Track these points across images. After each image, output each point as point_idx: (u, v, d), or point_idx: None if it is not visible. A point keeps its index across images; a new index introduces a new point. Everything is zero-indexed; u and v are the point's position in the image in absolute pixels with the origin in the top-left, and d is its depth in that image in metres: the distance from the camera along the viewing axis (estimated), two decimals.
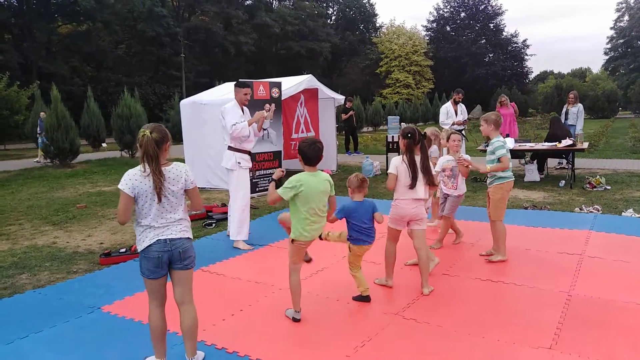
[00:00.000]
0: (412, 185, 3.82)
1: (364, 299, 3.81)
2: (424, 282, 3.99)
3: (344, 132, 16.06)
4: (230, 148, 5.52)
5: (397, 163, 3.89)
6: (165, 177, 2.67)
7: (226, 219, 6.85)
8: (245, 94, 5.50)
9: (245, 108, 5.58)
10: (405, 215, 3.90)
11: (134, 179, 2.65)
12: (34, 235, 6.40)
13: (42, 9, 32.56)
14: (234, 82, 5.81)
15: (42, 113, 15.83)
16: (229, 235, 5.67)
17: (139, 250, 2.76)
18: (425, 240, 4.02)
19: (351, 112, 15.25)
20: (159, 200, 2.66)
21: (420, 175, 3.85)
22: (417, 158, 3.88)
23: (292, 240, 3.43)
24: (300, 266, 3.53)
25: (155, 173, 2.62)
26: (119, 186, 2.67)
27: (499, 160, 4.57)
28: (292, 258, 3.48)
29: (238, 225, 5.48)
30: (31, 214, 7.77)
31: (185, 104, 9.85)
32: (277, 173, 3.61)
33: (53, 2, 32.85)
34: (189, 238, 2.84)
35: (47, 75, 30.19)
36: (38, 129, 15.67)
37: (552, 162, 10.36)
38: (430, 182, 3.93)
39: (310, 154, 3.32)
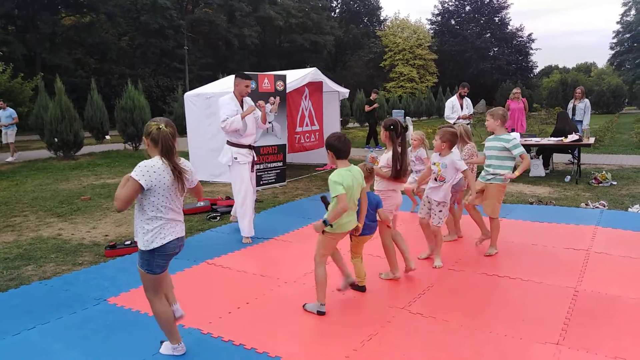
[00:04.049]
0: (397, 176, 3.92)
1: (359, 288, 3.88)
2: (406, 261, 4.18)
3: (367, 124, 15.75)
4: (228, 143, 5.44)
5: (386, 158, 4.04)
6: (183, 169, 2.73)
7: (230, 212, 6.86)
8: (247, 86, 5.41)
9: (247, 99, 5.51)
10: (397, 204, 4.10)
11: (152, 172, 2.60)
12: (39, 227, 6.42)
13: (46, 1, 32.48)
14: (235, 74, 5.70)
15: None
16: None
17: (150, 248, 2.66)
18: (396, 223, 4.25)
19: (375, 105, 15.10)
20: (183, 191, 2.74)
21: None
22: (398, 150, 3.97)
23: (323, 231, 3.42)
24: (326, 259, 3.52)
25: (177, 167, 2.66)
26: (133, 175, 2.56)
27: (512, 159, 4.58)
28: (320, 250, 3.47)
29: (245, 217, 5.45)
30: (36, 206, 7.78)
31: (190, 96, 9.82)
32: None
33: None
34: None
35: (50, 67, 30.17)
36: None
37: (561, 158, 10.31)
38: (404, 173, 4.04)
39: (343, 147, 3.37)
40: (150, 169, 2.60)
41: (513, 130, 9.80)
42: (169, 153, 2.64)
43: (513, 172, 4.58)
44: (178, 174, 2.66)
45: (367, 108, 15.02)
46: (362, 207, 3.60)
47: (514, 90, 10.93)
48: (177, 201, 2.76)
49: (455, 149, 4.46)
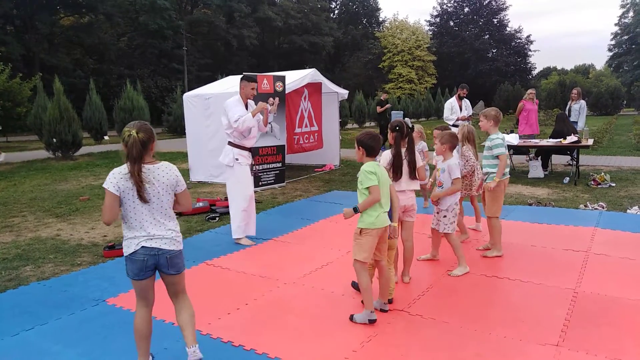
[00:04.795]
0: (396, 178, 3.86)
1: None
2: (405, 271, 4.12)
3: (378, 125, 15.50)
4: (230, 143, 5.43)
5: (388, 157, 3.94)
6: (147, 178, 2.58)
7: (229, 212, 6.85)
8: (252, 89, 5.43)
9: (251, 101, 5.53)
10: (404, 206, 3.97)
11: (118, 178, 2.56)
12: (38, 227, 6.40)
13: (44, 1, 32.44)
14: (240, 76, 5.72)
15: None
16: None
17: (124, 254, 2.66)
18: (413, 231, 4.09)
19: (387, 105, 15.06)
20: (143, 201, 2.58)
21: (405, 168, 3.91)
22: (403, 151, 3.91)
23: (360, 231, 3.33)
24: (367, 265, 3.37)
25: (135, 175, 2.53)
26: (104, 185, 2.56)
27: (496, 157, 4.57)
28: (357, 255, 3.31)
29: (241, 221, 5.43)
30: (34, 206, 7.76)
31: (189, 97, 9.82)
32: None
33: None
34: (179, 250, 2.73)
35: (49, 68, 30.15)
36: None
37: (560, 160, 10.33)
38: (414, 174, 3.95)
39: (376, 145, 3.43)
40: (117, 175, 2.57)
41: (511, 132, 9.80)
42: (132, 160, 2.54)
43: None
44: (138, 181, 2.53)
45: (379, 109, 15.05)
46: (395, 204, 3.57)
47: (529, 91, 10.63)
48: (147, 212, 2.61)
49: (455, 152, 4.44)
